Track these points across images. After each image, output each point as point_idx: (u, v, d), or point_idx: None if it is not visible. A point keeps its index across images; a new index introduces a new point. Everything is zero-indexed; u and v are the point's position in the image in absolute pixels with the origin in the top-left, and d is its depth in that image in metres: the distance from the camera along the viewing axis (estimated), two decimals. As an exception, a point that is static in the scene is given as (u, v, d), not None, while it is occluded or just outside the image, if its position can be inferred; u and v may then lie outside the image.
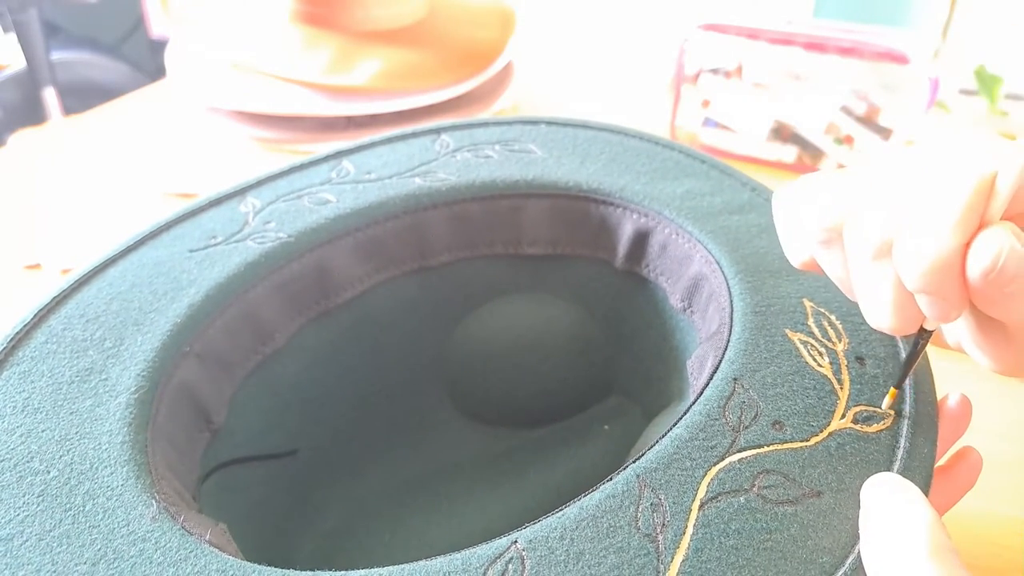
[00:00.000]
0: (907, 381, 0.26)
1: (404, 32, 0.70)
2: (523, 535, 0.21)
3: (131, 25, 1.49)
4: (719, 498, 0.22)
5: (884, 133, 0.63)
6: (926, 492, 0.23)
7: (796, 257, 0.25)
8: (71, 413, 0.26)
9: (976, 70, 0.74)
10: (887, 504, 0.21)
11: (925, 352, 0.27)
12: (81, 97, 1.22)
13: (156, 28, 1.42)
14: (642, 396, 0.40)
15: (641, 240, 0.35)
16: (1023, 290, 0.19)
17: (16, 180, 0.66)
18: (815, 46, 0.62)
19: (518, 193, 0.36)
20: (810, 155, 0.66)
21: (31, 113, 1.23)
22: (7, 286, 0.53)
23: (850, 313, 0.28)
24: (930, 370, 0.27)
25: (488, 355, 0.40)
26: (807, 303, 0.28)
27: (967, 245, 0.19)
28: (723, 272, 0.30)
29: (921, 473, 0.23)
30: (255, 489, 0.33)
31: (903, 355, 0.27)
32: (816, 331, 0.27)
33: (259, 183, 0.36)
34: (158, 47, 1.28)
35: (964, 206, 0.19)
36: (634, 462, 0.23)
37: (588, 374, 0.40)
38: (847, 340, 0.27)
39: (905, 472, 0.23)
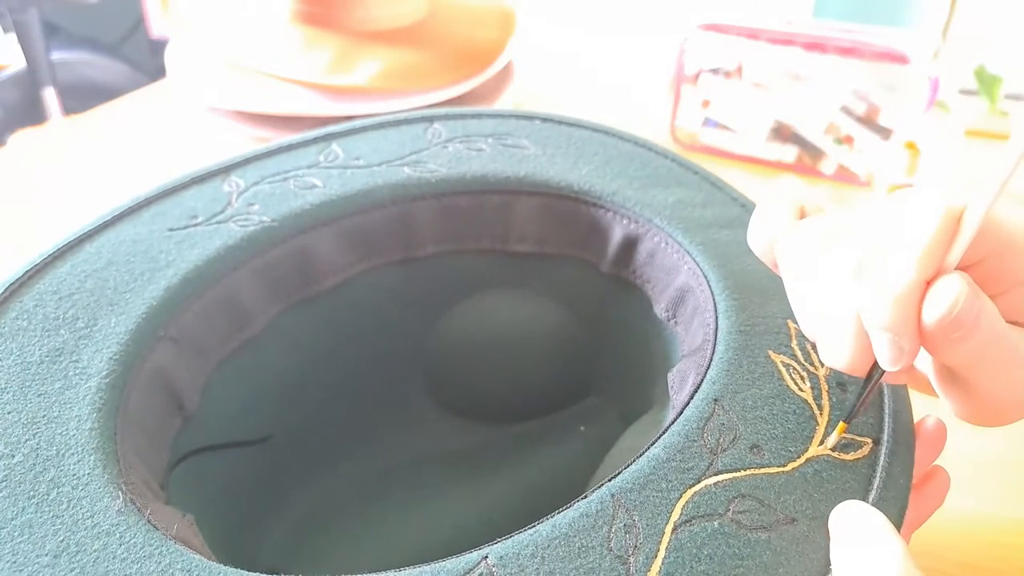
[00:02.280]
0: (886, 408, 0.25)
1: (404, 32, 0.70)
2: (494, 551, 0.21)
3: (131, 25, 1.49)
4: (693, 521, 0.22)
5: (884, 133, 0.63)
6: (900, 522, 0.23)
7: (760, 247, 0.25)
8: (39, 395, 0.25)
9: (976, 70, 0.74)
10: (857, 535, 0.21)
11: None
12: (81, 97, 1.22)
13: (156, 28, 1.42)
14: (620, 400, 0.39)
15: (629, 246, 0.34)
16: (967, 337, 0.20)
17: (16, 180, 0.66)
18: (815, 46, 0.62)
19: (509, 189, 0.35)
20: (810, 155, 0.66)
21: (31, 113, 1.23)
22: (7, 286, 0.53)
23: None
24: (908, 397, 0.26)
25: (468, 348, 0.39)
26: (791, 325, 0.28)
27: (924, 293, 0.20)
28: (710, 287, 0.29)
29: (896, 504, 0.23)
30: (225, 475, 0.33)
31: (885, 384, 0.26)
32: (799, 354, 0.27)
33: (245, 161, 0.35)
34: (158, 47, 1.28)
35: (930, 239, 0.20)
36: (610, 480, 0.23)
37: (567, 374, 0.40)
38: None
39: (881, 502, 0.23)
